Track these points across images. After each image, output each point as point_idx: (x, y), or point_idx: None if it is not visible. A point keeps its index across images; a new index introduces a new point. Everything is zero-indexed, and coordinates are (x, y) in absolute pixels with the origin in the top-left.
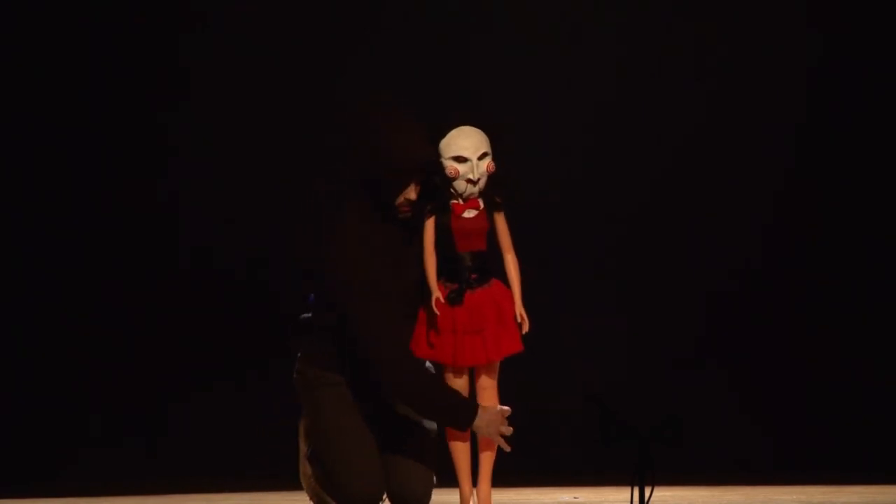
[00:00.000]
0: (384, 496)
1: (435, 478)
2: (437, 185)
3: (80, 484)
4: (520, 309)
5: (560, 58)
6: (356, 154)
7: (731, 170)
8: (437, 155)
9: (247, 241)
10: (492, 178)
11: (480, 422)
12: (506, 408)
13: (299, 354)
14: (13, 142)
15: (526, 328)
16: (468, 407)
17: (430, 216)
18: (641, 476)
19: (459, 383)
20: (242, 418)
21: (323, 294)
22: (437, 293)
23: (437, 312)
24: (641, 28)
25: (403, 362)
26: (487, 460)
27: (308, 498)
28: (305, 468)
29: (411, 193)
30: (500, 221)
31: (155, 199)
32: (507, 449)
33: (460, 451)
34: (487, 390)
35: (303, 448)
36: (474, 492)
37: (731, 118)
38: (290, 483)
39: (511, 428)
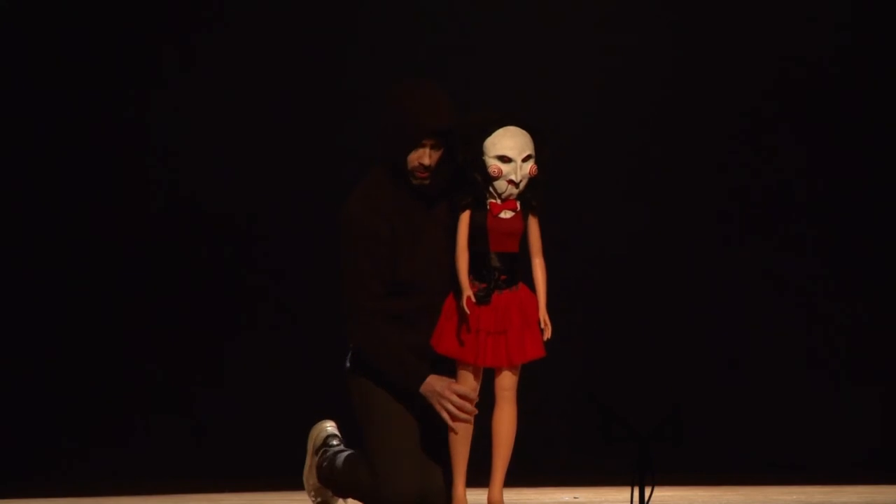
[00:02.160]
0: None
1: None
2: (477, 181)
3: (81, 484)
4: (544, 314)
5: (558, 57)
6: (374, 110)
7: (731, 168)
8: (453, 123)
9: (247, 241)
10: (531, 181)
11: (427, 389)
12: (465, 389)
13: (352, 343)
14: (8, 141)
15: (548, 334)
16: (418, 371)
17: (466, 211)
18: (641, 476)
19: (470, 382)
20: (244, 418)
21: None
22: (468, 291)
23: (468, 311)
24: (639, 28)
25: (366, 316)
26: (500, 463)
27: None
28: (311, 478)
29: (425, 158)
30: (534, 225)
31: (155, 201)
32: (454, 429)
33: (459, 450)
34: (507, 391)
35: (310, 459)
36: (467, 493)
37: (730, 118)
38: (290, 483)
39: (462, 408)
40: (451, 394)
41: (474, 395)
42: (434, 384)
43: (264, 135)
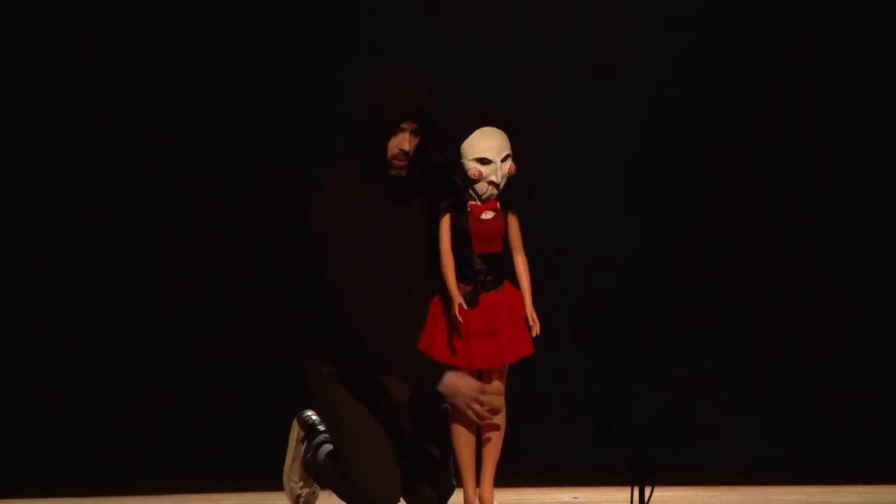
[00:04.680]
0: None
1: (455, 481)
2: (456, 183)
3: (80, 484)
4: (531, 311)
5: (558, 57)
6: (350, 102)
7: (731, 169)
8: (434, 108)
9: (249, 242)
10: (510, 179)
11: (447, 388)
12: (492, 388)
13: (308, 349)
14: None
15: (537, 331)
16: (435, 368)
17: (446, 215)
18: (641, 476)
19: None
20: (242, 418)
21: (315, 274)
22: (459, 300)
23: (461, 319)
24: (632, 26)
25: (369, 318)
26: (490, 461)
27: (288, 500)
28: (294, 473)
29: (405, 143)
30: (513, 222)
31: (154, 202)
32: (478, 422)
33: (465, 451)
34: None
35: (291, 452)
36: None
37: (731, 120)
38: None
39: (488, 408)
40: (480, 395)
41: (501, 396)
42: (458, 384)
43: (261, 136)
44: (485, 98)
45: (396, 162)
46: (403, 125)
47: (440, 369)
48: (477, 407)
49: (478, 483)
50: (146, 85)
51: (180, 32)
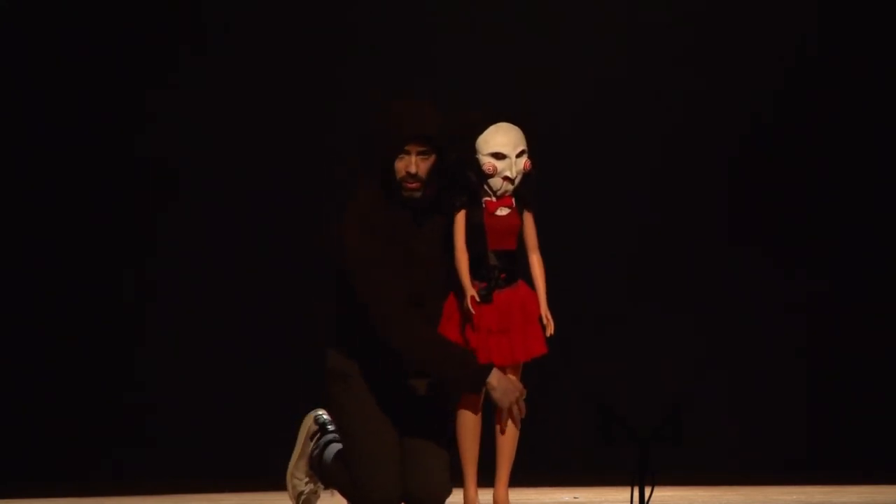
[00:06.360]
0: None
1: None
2: (471, 179)
3: (80, 484)
4: (545, 310)
5: (560, 57)
6: (364, 122)
7: (729, 167)
8: (444, 131)
9: (249, 242)
10: (525, 176)
11: (495, 382)
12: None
13: (328, 347)
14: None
15: (551, 330)
16: (481, 364)
17: (461, 211)
18: (641, 476)
19: None
20: (243, 418)
21: (336, 276)
22: (471, 292)
23: (473, 311)
24: (638, 32)
25: (409, 320)
26: (505, 461)
27: (290, 497)
28: (298, 471)
29: (411, 166)
30: (529, 220)
31: (154, 202)
32: (517, 425)
33: (469, 451)
34: None
35: (298, 449)
36: (479, 494)
37: (731, 120)
38: None
39: (524, 409)
40: (519, 407)
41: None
42: (504, 382)
43: (258, 136)
44: (485, 98)
45: (407, 184)
46: (408, 147)
47: (486, 366)
48: (515, 409)
49: (490, 483)
50: (146, 85)
51: (180, 32)
